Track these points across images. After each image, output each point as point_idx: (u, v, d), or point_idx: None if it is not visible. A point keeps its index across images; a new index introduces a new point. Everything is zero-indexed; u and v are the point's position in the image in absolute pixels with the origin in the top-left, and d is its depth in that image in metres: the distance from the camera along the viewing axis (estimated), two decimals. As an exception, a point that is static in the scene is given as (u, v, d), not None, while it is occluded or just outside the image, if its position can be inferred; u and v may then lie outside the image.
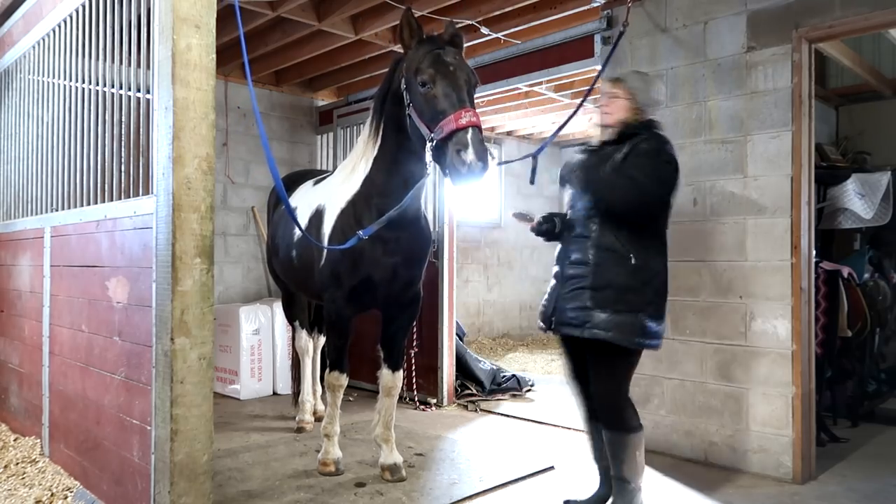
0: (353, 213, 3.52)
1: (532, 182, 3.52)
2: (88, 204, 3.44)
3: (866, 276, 5.12)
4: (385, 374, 3.75)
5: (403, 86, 3.08)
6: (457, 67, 2.98)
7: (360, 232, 3.09)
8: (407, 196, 3.20)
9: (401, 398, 4.74)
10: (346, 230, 3.47)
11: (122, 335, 2.98)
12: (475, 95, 3.08)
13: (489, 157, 2.81)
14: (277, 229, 4.46)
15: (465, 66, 3.04)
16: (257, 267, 6.78)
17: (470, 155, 2.74)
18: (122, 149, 3.15)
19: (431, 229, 4.79)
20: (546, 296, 3.10)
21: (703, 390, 4.09)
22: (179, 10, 2.56)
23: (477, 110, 2.95)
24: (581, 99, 4.25)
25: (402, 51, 3.19)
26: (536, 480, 3.80)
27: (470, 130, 2.79)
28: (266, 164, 6.88)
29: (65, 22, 3.67)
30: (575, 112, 4.10)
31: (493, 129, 8.91)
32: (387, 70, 3.38)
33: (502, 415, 5.37)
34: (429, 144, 2.90)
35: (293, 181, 4.79)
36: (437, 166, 2.97)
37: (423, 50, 3.02)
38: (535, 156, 3.58)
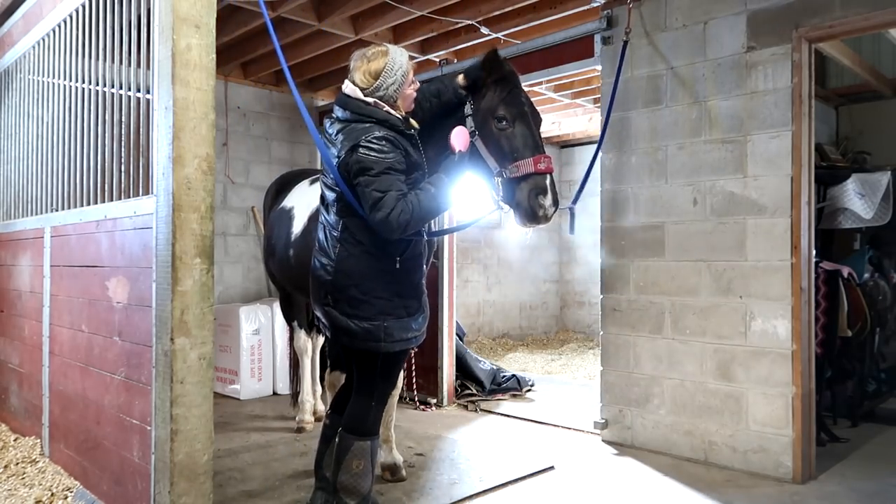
0: None
1: (572, 232, 3.57)
2: (88, 204, 3.44)
3: (866, 276, 5.12)
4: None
5: (469, 112, 3.02)
6: (532, 110, 3.03)
7: (424, 230, 2.93)
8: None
9: (401, 398, 4.75)
10: None
11: (122, 335, 2.98)
12: None
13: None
14: (273, 229, 4.45)
15: (536, 110, 3.09)
16: (257, 267, 6.78)
17: (548, 200, 2.83)
18: (122, 149, 3.15)
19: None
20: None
21: (703, 390, 4.09)
22: (179, 10, 2.56)
23: None
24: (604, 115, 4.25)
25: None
26: (536, 480, 3.80)
27: (548, 176, 2.87)
28: (266, 163, 6.90)
29: (65, 22, 3.67)
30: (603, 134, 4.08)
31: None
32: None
33: (502, 415, 5.37)
34: (497, 179, 2.92)
35: (288, 181, 4.79)
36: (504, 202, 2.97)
37: (501, 86, 3.00)
38: (572, 207, 3.61)
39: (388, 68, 2.78)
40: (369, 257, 2.74)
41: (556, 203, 2.87)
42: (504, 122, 2.93)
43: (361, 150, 2.64)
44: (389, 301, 2.75)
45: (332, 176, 2.77)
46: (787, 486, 3.70)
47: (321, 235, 2.90)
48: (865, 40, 6.02)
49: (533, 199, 2.83)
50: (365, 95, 2.79)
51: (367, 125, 2.71)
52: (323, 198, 2.93)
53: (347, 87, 2.83)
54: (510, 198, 2.91)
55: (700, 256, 4.12)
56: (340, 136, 2.75)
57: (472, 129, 2.99)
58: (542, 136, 3.14)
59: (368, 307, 2.73)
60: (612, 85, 4.28)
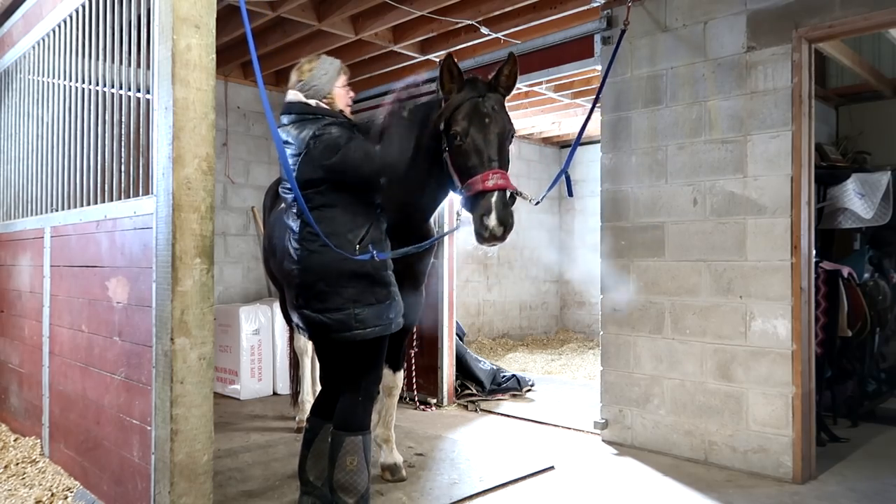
0: None
1: (570, 195, 3.59)
2: (88, 204, 3.44)
3: (866, 276, 5.12)
4: (386, 374, 3.74)
5: (442, 127, 2.98)
6: (492, 121, 2.90)
7: (375, 253, 2.83)
8: (437, 236, 3.49)
9: (401, 398, 4.75)
10: None
11: (122, 335, 2.98)
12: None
13: (511, 222, 2.79)
14: (274, 230, 4.44)
15: (500, 119, 2.96)
16: (257, 267, 6.78)
17: (492, 221, 2.74)
18: (122, 149, 3.15)
19: (433, 230, 4.78)
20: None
21: (703, 390, 4.09)
22: (179, 10, 2.56)
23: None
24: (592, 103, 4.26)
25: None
26: (536, 480, 3.80)
27: (495, 194, 2.76)
28: (266, 163, 6.90)
29: (65, 22, 3.67)
30: (589, 117, 4.14)
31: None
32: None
33: (502, 415, 5.37)
34: (460, 196, 2.92)
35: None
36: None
37: (459, 98, 2.93)
38: (565, 171, 3.62)
39: (321, 64, 2.95)
40: (329, 250, 2.73)
41: (503, 223, 2.75)
42: (458, 138, 2.87)
43: (323, 136, 2.74)
44: (356, 289, 2.74)
45: (285, 176, 2.81)
46: (787, 486, 3.70)
47: (285, 242, 2.93)
48: (865, 40, 6.02)
49: (477, 221, 2.78)
50: (300, 91, 2.90)
51: (314, 118, 2.82)
52: (284, 203, 2.98)
53: (289, 96, 2.95)
54: (470, 214, 2.89)
55: (700, 256, 4.12)
56: (293, 133, 2.82)
57: (445, 147, 2.95)
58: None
59: (336, 297, 2.73)
60: (605, 71, 4.25)
